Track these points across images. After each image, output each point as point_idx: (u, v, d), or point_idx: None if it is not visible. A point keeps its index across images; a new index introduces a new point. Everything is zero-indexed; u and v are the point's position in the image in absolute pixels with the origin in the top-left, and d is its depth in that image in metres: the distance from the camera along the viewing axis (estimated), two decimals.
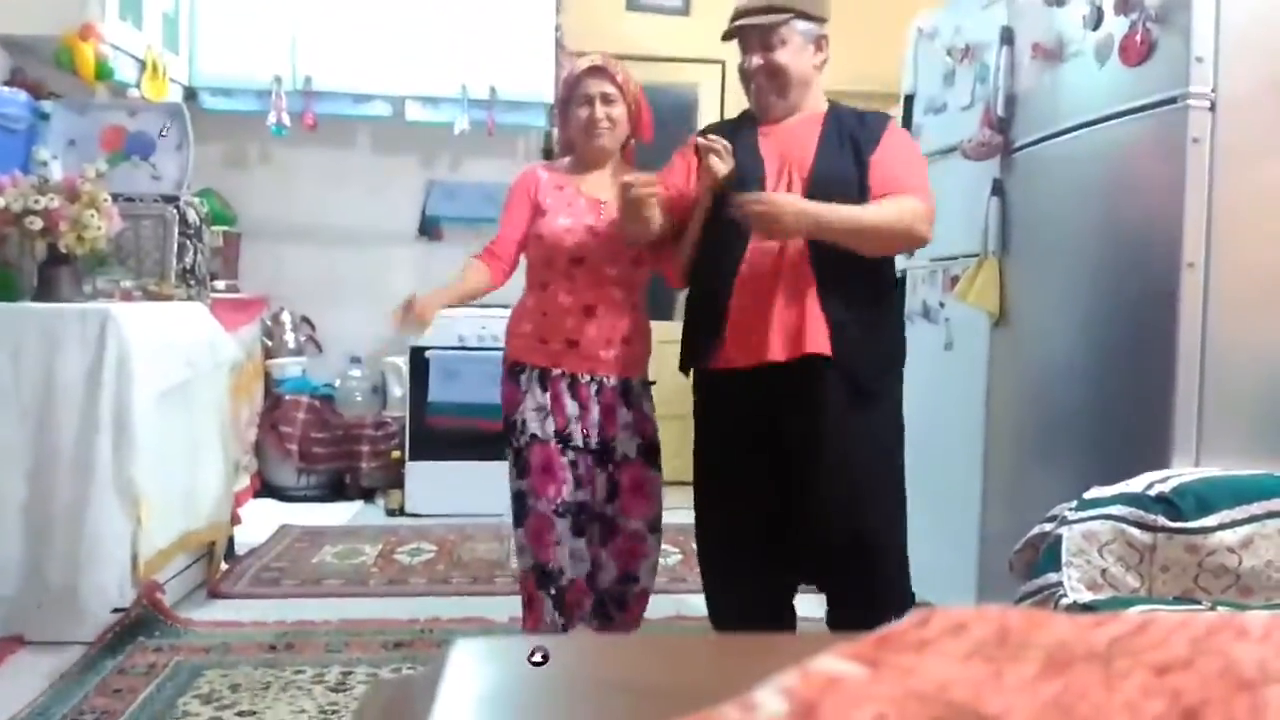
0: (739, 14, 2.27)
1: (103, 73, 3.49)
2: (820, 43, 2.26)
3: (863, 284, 2.18)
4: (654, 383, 2.55)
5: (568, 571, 2.38)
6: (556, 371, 2.43)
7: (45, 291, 2.88)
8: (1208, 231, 2.00)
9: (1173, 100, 2.03)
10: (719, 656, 0.72)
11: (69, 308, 2.81)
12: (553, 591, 2.36)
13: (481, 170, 5.11)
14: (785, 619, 2.32)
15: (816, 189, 2.14)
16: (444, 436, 4.50)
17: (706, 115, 5.52)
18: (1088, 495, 1.86)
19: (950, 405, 3.01)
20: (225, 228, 4.62)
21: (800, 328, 2.12)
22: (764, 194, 2.09)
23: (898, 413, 2.26)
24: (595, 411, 2.43)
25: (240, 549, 3.76)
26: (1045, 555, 1.87)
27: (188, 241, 3.45)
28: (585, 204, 2.46)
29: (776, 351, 2.13)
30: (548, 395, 2.42)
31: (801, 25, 2.23)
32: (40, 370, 2.72)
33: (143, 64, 3.93)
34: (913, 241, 2.19)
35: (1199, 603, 1.75)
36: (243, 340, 4.04)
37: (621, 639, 2.06)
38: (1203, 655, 0.44)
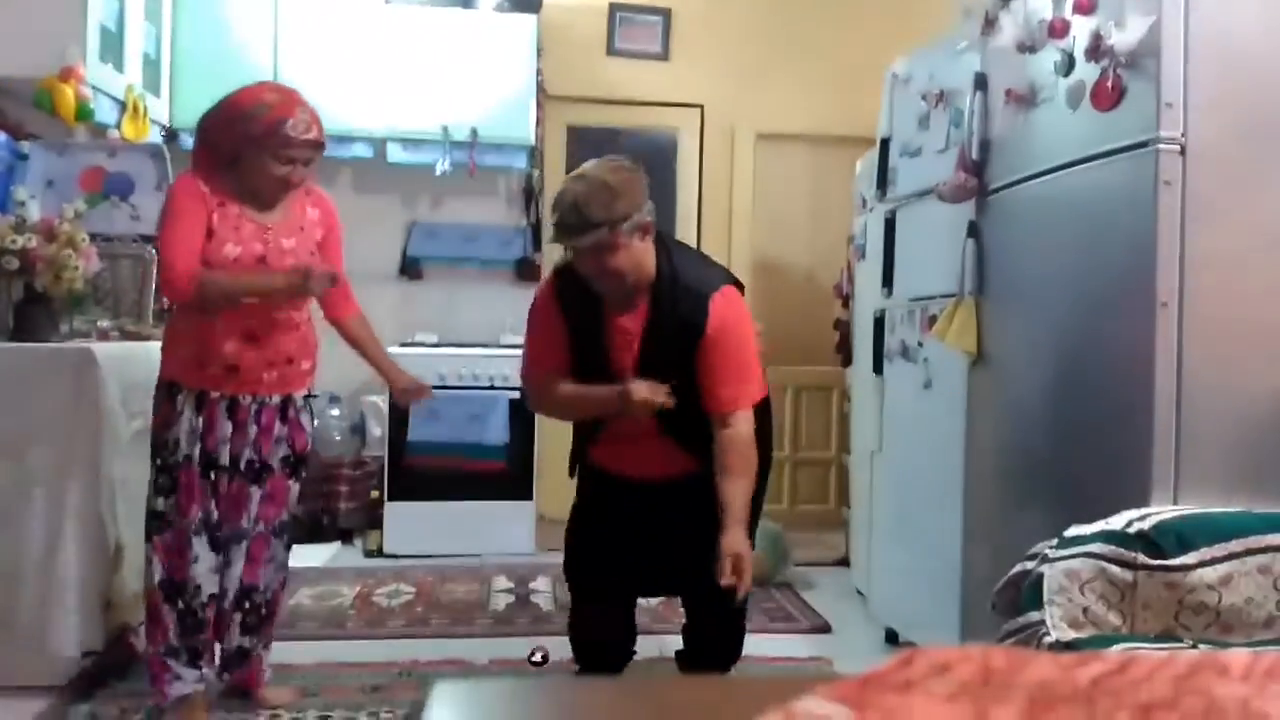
0: (561, 229, 2.30)
1: (83, 114, 3.48)
2: (645, 227, 2.33)
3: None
4: (315, 396, 2.62)
5: (205, 588, 2.46)
6: (215, 394, 2.45)
7: (21, 331, 2.86)
8: (1180, 271, 2.03)
9: (1144, 144, 2.07)
10: (701, 698, 0.71)
11: (45, 347, 2.79)
12: (180, 605, 2.44)
13: (462, 210, 5.13)
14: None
15: (642, 374, 2.37)
16: (423, 476, 4.47)
17: (686, 158, 5.58)
18: (1068, 533, 1.87)
19: (930, 444, 3.02)
20: None
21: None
22: (727, 560, 2.21)
23: None
24: (253, 431, 2.49)
25: None
26: (1027, 594, 1.87)
27: None
28: (252, 230, 2.46)
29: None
30: (201, 418, 2.44)
31: (627, 225, 2.28)
32: (15, 410, 2.69)
33: (123, 105, 3.93)
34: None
35: (1181, 641, 1.76)
36: None
37: (597, 683, 2.03)
38: (1185, 695, 0.44)
